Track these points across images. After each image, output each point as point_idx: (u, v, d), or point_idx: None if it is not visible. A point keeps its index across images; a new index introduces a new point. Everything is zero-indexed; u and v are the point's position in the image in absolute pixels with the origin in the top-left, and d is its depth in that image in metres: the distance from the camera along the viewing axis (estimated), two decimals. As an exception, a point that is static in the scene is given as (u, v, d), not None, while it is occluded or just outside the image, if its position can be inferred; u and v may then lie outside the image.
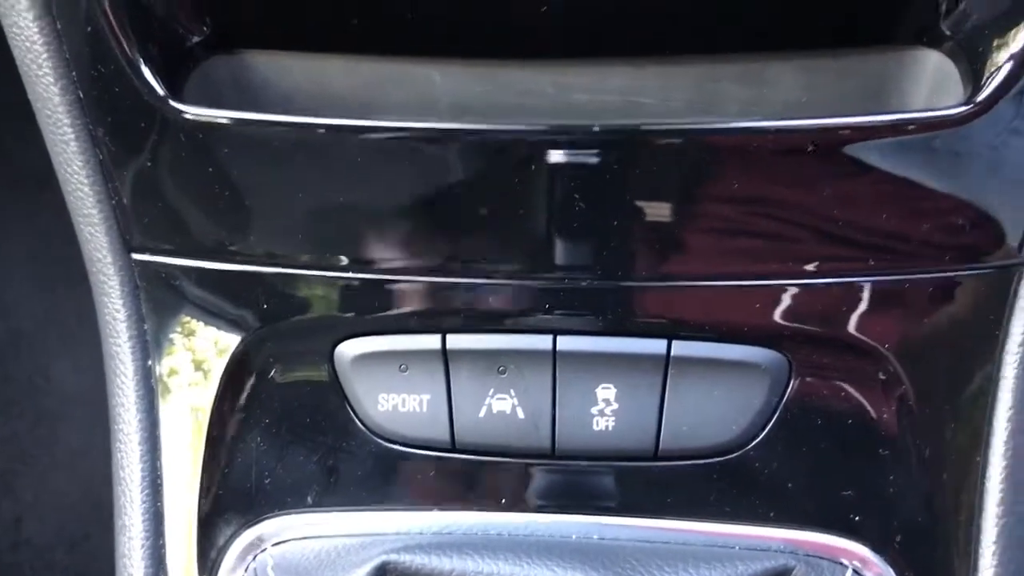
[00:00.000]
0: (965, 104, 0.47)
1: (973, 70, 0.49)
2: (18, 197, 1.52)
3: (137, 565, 0.56)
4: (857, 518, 0.53)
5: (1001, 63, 0.47)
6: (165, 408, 0.57)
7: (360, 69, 0.53)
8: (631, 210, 0.50)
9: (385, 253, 0.52)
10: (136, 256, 0.55)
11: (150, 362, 0.57)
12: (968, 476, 0.53)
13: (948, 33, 0.50)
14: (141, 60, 0.50)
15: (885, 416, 0.53)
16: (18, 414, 1.47)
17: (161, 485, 0.57)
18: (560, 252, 0.51)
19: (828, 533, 0.53)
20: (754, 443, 0.53)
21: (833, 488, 0.54)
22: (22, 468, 1.45)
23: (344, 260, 0.53)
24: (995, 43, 0.48)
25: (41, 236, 1.52)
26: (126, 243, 0.55)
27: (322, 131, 0.50)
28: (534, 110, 0.53)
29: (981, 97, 0.47)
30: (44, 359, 1.50)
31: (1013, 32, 0.47)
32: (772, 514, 0.54)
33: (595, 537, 0.53)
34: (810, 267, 0.51)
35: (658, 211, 0.51)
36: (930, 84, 0.51)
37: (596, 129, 0.49)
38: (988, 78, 0.47)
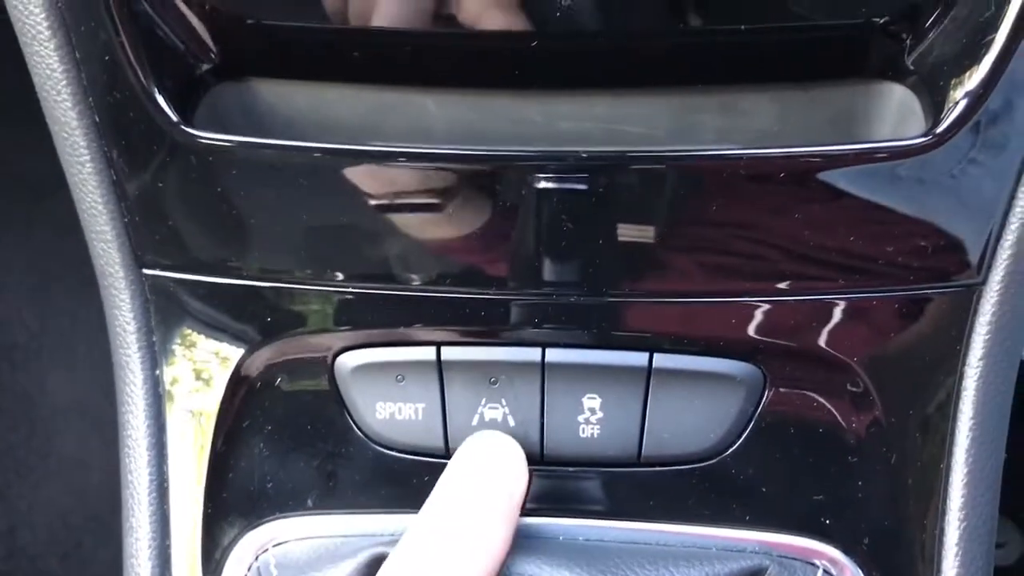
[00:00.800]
0: (925, 135, 0.51)
1: (934, 103, 0.52)
2: (14, 209, 1.54)
3: (144, 565, 0.59)
4: (828, 521, 0.56)
5: (958, 99, 0.50)
6: (172, 415, 0.60)
7: (359, 97, 0.57)
8: (615, 231, 0.53)
9: (383, 270, 0.55)
10: (147, 271, 0.58)
11: (158, 371, 0.59)
12: (932, 482, 0.56)
13: (911, 68, 0.53)
14: (155, 88, 0.53)
15: (854, 425, 0.56)
16: (12, 425, 1.48)
17: (167, 489, 0.59)
18: (548, 270, 0.54)
19: (800, 535, 0.56)
20: (731, 450, 0.56)
21: (805, 493, 0.57)
22: (16, 479, 1.46)
23: (343, 276, 0.56)
24: (953, 79, 0.51)
25: (37, 248, 1.54)
26: (137, 259, 0.58)
27: (323, 155, 0.53)
28: (523, 137, 0.56)
29: (940, 129, 0.50)
30: (39, 371, 1.51)
31: (969, 70, 0.50)
32: (748, 517, 0.57)
33: (580, 539, 0.56)
34: (783, 285, 0.54)
35: (641, 232, 0.54)
36: (895, 115, 0.55)
37: (584, 155, 0.52)
38: (947, 111, 0.51)
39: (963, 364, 0.56)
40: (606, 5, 0.51)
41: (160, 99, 0.53)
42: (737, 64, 0.55)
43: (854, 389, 0.55)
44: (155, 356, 0.59)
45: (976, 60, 0.50)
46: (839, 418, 0.56)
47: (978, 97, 0.50)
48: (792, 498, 0.57)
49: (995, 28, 0.50)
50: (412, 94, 0.56)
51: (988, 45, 0.50)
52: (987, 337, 0.55)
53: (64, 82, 0.54)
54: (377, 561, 0.55)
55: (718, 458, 0.57)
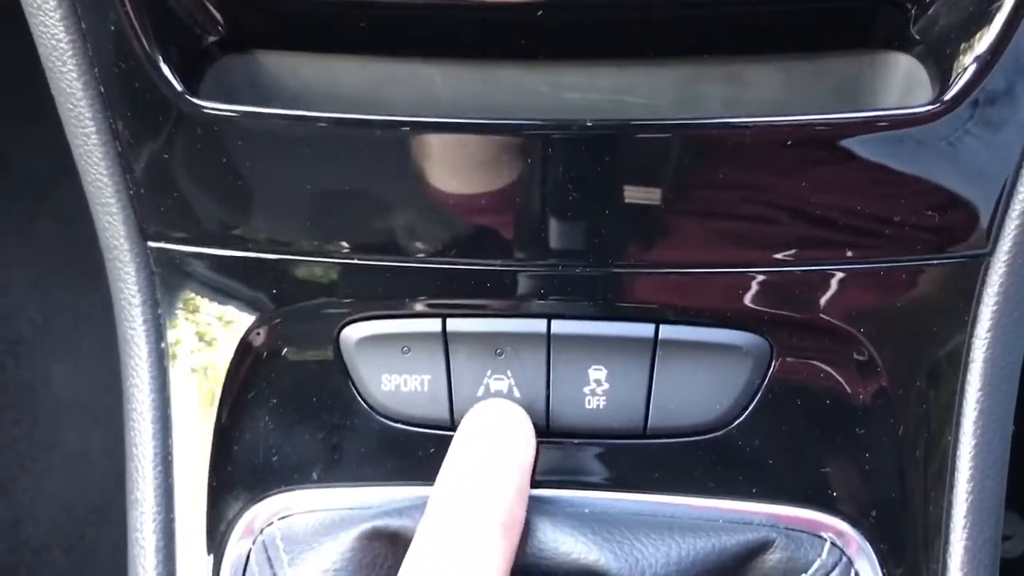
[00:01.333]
0: (932, 103, 0.51)
1: (940, 72, 0.52)
2: (17, 205, 1.54)
3: (148, 538, 0.58)
4: (834, 494, 0.56)
5: (965, 66, 0.50)
6: (176, 388, 0.59)
7: (365, 68, 0.56)
8: (622, 201, 0.53)
9: (389, 241, 0.55)
10: (151, 244, 0.58)
11: (163, 344, 0.59)
12: (939, 453, 0.56)
13: (917, 37, 0.53)
14: (161, 58, 0.53)
15: (861, 397, 0.56)
16: (16, 419, 1.48)
17: (172, 462, 0.59)
18: (555, 241, 0.54)
19: (807, 508, 0.56)
20: (737, 422, 0.56)
21: (812, 465, 0.56)
22: (19, 472, 1.46)
23: (349, 247, 0.55)
24: (960, 47, 0.51)
25: (39, 244, 1.54)
26: (142, 231, 0.57)
27: (328, 125, 0.53)
28: (529, 107, 0.56)
29: (947, 97, 0.50)
30: (42, 365, 1.51)
31: (975, 37, 0.50)
32: (754, 489, 0.56)
33: (585, 510, 0.56)
34: (789, 255, 0.54)
35: (647, 202, 0.53)
36: (901, 85, 0.55)
37: (588, 124, 0.52)
38: (954, 79, 0.51)
39: (971, 335, 0.55)
40: None
41: (166, 69, 0.53)
42: (742, 34, 0.55)
43: (861, 359, 0.55)
44: (160, 329, 0.59)
45: (982, 27, 0.50)
46: (846, 389, 0.56)
47: (985, 64, 0.50)
48: (799, 470, 0.57)
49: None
50: (417, 65, 0.56)
51: (994, 12, 0.50)
52: (995, 308, 0.55)
53: (70, 52, 0.54)
54: (375, 534, 0.55)
55: (724, 430, 0.56)
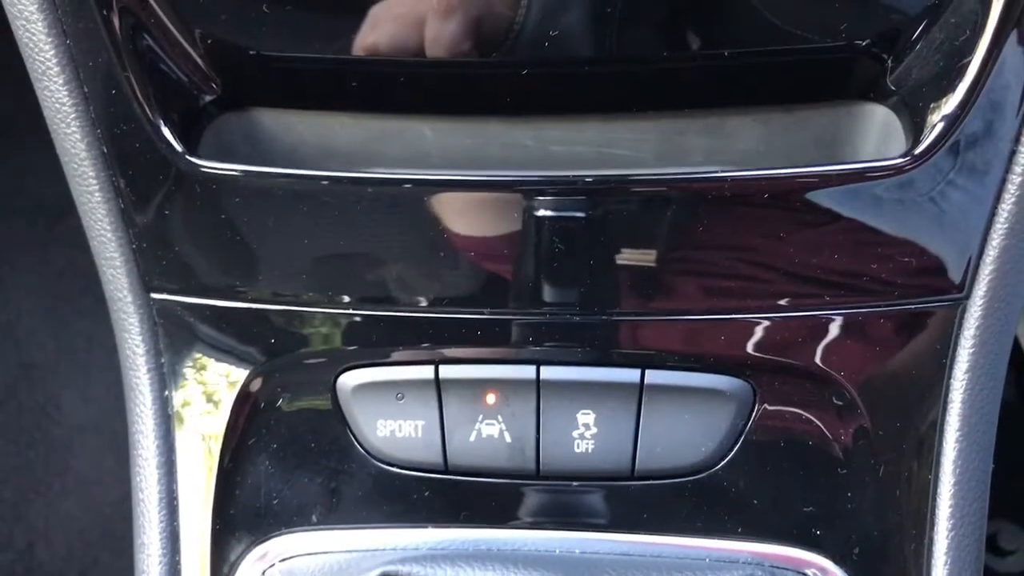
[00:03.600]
0: (904, 155, 0.52)
1: (914, 123, 0.54)
2: (30, 231, 1.56)
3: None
4: (818, 532, 0.58)
5: (936, 119, 0.52)
6: (180, 434, 0.61)
7: (359, 125, 0.58)
8: (608, 251, 0.55)
9: (383, 292, 0.57)
10: (154, 295, 0.60)
11: (167, 392, 0.61)
12: (921, 493, 0.58)
13: (893, 88, 0.55)
14: (160, 120, 0.55)
15: (843, 438, 0.57)
16: (30, 443, 1.51)
17: (177, 506, 0.61)
18: (543, 290, 0.56)
19: (791, 546, 0.58)
20: (722, 463, 0.58)
21: (796, 505, 0.58)
22: (34, 496, 1.49)
23: (345, 299, 0.57)
24: (931, 101, 0.53)
25: (52, 270, 1.56)
26: (145, 284, 0.60)
27: (324, 182, 0.55)
28: (516, 161, 0.57)
29: (919, 150, 0.52)
30: (55, 390, 1.54)
31: (946, 91, 0.52)
32: (740, 529, 0.58)
33: (577, 551, 0.58)
34: (770, 303, 0.55)
35: (632, 253, 0.55)
36: (877, 135, 0.56)
37: (572, 179, 0.54)
38: (926, 132, 0.52)
39: (949, 377, 0.57)
40: (592, 34, 0.53)
41: (165, 130, 0.55)
42: (723, 87, 0.56)
43: (842, 403, 0.57)
44: (163, 378, 0.61)
45: (953, 82, 0.52)
46: (828, 431, 0.57)
47: (956, 118, 0.52)
48: (783, 510, 0.58)
49: (971, 51, 0.51)
50: (409, 121, 0.58)
51: (964, 68, 0.51)
52: (972, 351, 0.57)
53: (73, 115, 0.56)
54: None
55: (710, 471, 0.58)
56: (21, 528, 1.47)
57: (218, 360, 0.60)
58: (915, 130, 0.53)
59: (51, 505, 1.49)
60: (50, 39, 0.55)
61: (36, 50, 0.55)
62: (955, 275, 0.55)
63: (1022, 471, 1.30)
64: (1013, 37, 0.50)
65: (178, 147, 0.55)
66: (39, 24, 0.55)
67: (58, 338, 1.55)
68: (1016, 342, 1.36)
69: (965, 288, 0.56)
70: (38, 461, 1.50)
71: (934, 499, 0.57)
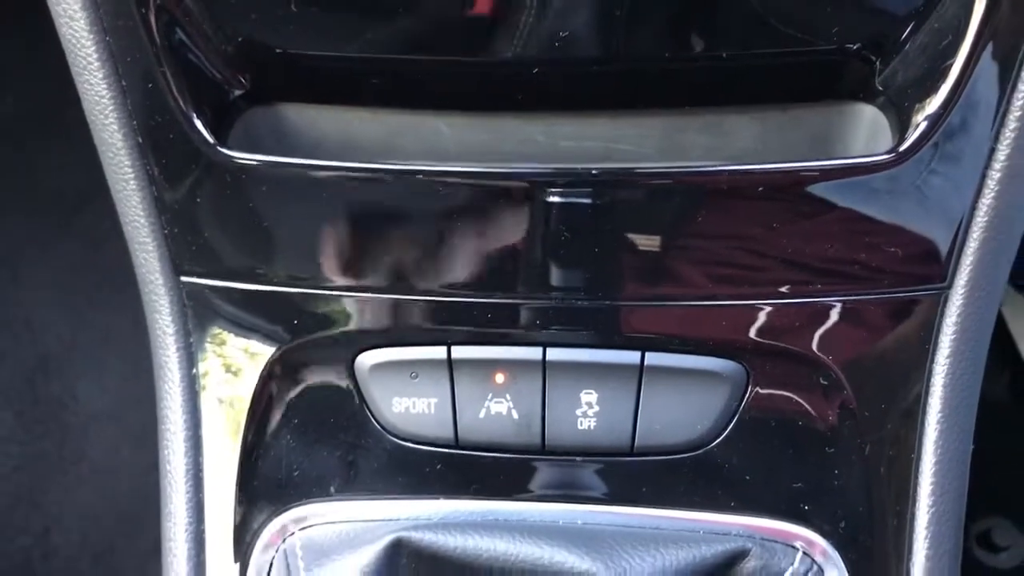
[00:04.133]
0: (890, 152, 0.56)
1: (900, 122, 0.57)
2: (46, 223, 1.60)
3: (181, 547, 0.64)
4: (806, 507, 0.61)
5: (920, 119, 0.56)
6: (206, 410, 0.65)
7: (378, 119, 0.62)
8: (612, 241, 0.59)
9: (399, 278, 0.61)
10: (184, 279, 0.63)
11: (194, 370, 0.65)
12: (904, 470, 0.61)
13: (881, 89, 0.58)
14: (193, 112, 0.59)
15: (831, 419, 0.61)
16: (46, 432, 1.54)
17: (202, 478, 0.65)
18: (551, 276, 0.59)
19: (781, 520, 0.61)
20: (717, 441, 0.62)
21: (785, 481, 0.62)
22: (50, 483, 1.52)
23: (364, 283, 0.61)
24: (916, 101, 0.56)
25: (68, 262, 1.60)
26: (176, 267, 0.63)
27: (345, 173, 0.59)
28: (527, 155, 0.61)
29: (903, 147, 0.55)
30: (71, 380, 1.57)
31: (930, 92, 0.55)
32: (732, 503, 0.62)
33: (579, 523, 0.62)
34: (763, 291, 0.59)
35: (634, 242, 0.59)
36: (866, 133, 0.60)
37: (579, 171, 0.57)
38: (911, 131, 0.56)
39: (932, 362, 0.60)
40: (600, 36, 0.56)
41: (198, 123, 0.58)
42: (722, 87, 0.60)
43: (830, 384, 0.60)
44: (192, 356, 0.65)
45: (936, 83, 0.55)
46: (816, 412, 0.61)
47: (938, 118, 0.55)
48: (773, 486, 0.62)
49: (953, 55, 0.55)
50: (426, 116, 0.61)
51: (947, 70, 0.55)
52: (953, 337, 0.60)
53: (111, 107, 0.60)
54: (397, 545, 0.61)
55: (705, 448, 0.62)
56: (38, 514, 1.50)
57: (243, 339, 0.64)
58: (901, 128, 0.57)
59: (67, 492, 1.52)
60: (91, 36, 0.58)
61: (78, 46, 0.59)
62: (938, 266, 0.59)
63: (1016, 469, 1.33)
64: (991, 43, 0.54)
65: (210, 139, 0.59)
66: (81, 22, 0.58)
67: (74, 330, 1.59)
68: (1013, 344, 1.39)
69: (947, 278, 0.59)
70: (54, 449, 1.54)
71: (916, 477, 0.61)
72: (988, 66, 0.55)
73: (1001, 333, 1.38)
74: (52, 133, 1.47)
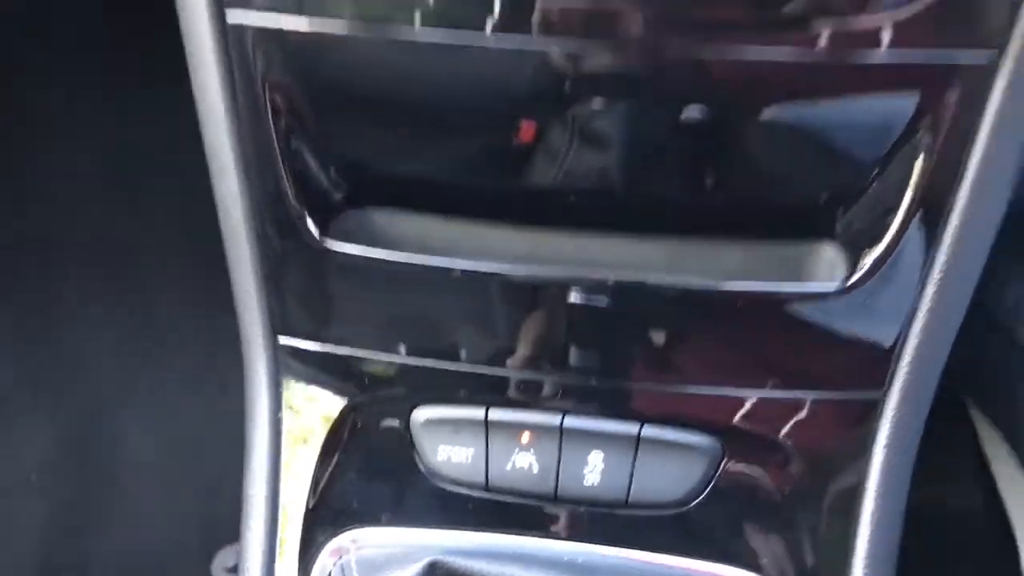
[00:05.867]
0: (840, 284, 0.70)
1: (852, 259, 0.72)
2: (108, 280, 1.66)
3: (257, 554, 0.79)
4: (765, 560, 0.76)
5: (867, 259, 0.70)
6: (286, 447, 0.81)
7: (447, 225, 0.78)
8: (619, 335, 0.73)
9: (453, 352, 0.75)
10: (281, 340, 0.80)
11: (279, 414, 0.81)
12: (842, 538, 0.76)
13: (840, 232, 0.73)
14: (305, 211, 0.75)
15: (787, 488, 0.76)
16: (92, 477, 1.64)
17: (279, 502, 0.80)
18: (571, 359, 0.74)
19: (743, 568, 0.76)
20: (696, 501, 0.76)
21: (751, 537, 0.76)
22: (95, 530, 1.62)
23: (425, 354, 0.76)
24: (865, 244, 0.71)
25: (125, 319, 1.67)
26: (275, 329, 0.80)
27: (415, 264, 0.74)
28: (558, 261, 0.76)
29: (850, 282, 0.70)
30: (121, 430, 1.66)
31: (875, 239, 0.69)
32: (706, 551, 0.77)
33: (579, 560, 0.76)
34: (737, 384, 0.75)
35: (637, 338, 0.74)
36: (827, 265, 0.74)
37: (610, 282, 0.72)
38: (858, 268, 0.70)
39: (870, 453, 0.76)
40: (622, 179, 0.72)
41: (309, 221, 0.75)
42: (716, 223, 0.76)
43: (786, 462, 0.76)
44: (279, 401, 0.81)
45: (880, 234, 0.70)
46: (775, 481, 0.76)
47: (880, 261, 0.70)
48: (741, 539, 0.76)
49: (895, 212, 0.71)
50: (485, 227, 0.78)
51: (889, 224, 0.70)
52: (888, 434, 0.75)
53: (240, 201, 0.76)
54: (433, 566, 0.76)
55: (686, 506, 0.77)
56: (81, 562, 1.60)
57: (322, 391, 0.80)
58: (852, 265, 0.72)
59: (112, 540, 1.62)
60: (230, 143, 0.75)
61: (220, 151, 0.76)
62: (877, 375, 0.74)
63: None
64: (921, 208, 0.68)
65: (316, 233, 0.74)
66: (224, 134, 0.75)
67: (125, 381, 1.68)
68: (981, 453, 1.51)
69: (883, 388, 0.74)
70: (98, 495, 1.64)
71: (852, 543, 0.76)
72: (919, 223, 0.68)
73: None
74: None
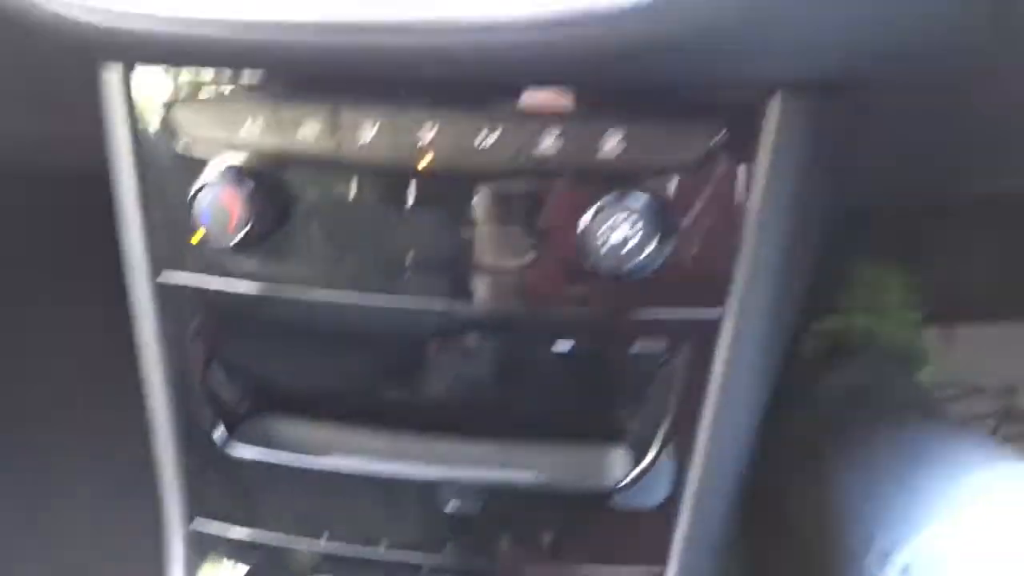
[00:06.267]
0: (619, 482, 0.93)
1: (635, 461, 0.94)
2: (89, 445, 1.70)
3: None
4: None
5: (641, 465, 0.92)
6: None
7: (333, 429, 1.00)
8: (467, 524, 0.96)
9: (343, 535, 0.98)
10: (193, 528, 1.01)
11: None
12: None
13: (628, 441, 0.96)
14: (219, 420, 0.98)
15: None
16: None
17: None
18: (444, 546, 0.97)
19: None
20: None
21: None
22: None
23: (319, 538, 0.98)
24: (640, 453, 0.93)
25: (104, 489, 1.72)
26: (189, 514, 1.01)
27: (309, 465, 0.95)
28: (419, 457, 0.98)
29: (624, 482, 0.92)
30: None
31: (642, 451, 0.92)
32: None
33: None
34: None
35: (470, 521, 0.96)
36: (621, 465, 0.95)
37: (457, 477, 0.94)
38: (631, 471, 0.93)
39: None
40: (461, 398, 0.94)
41: (219, 428, 0.97)
42: (534, 429, 0.98)
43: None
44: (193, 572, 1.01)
45: (645, 447, 0.92)
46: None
47: (644, 470, 0.92)
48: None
49: (657, 432, 0.92)
50: (364, 432, 1.00)
51: (653, 439, 0.92)
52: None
53: (166, 416, 0.99)
54: None
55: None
56: None
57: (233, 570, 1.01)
58: (635, 465, 0.94)
59: None
60: (160, 365, 0.98)
61: (150, 373, 0.98)
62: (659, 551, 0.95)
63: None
64: (675, 435, 0.90)
65: (223, 436, 0.97)
66: (156, 361, 0.98)
67: (103, 548, 1.68)
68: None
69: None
70: None
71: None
72: (671, 444, 0.91)
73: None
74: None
